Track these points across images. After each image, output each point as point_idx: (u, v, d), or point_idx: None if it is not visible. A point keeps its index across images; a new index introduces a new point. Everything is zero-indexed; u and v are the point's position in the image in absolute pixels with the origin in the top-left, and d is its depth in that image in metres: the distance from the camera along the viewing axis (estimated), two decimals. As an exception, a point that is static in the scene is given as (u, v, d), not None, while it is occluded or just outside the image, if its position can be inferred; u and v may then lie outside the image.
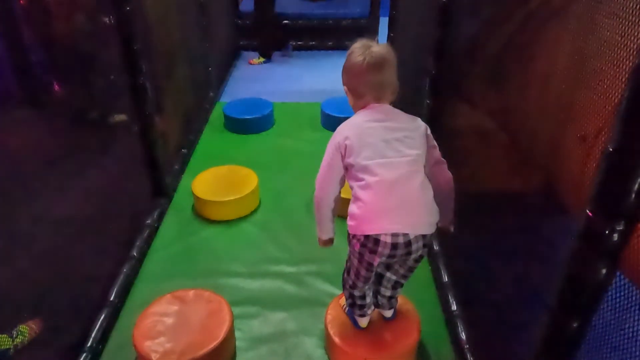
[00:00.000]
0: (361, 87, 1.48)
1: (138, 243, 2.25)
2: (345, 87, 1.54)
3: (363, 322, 1.74)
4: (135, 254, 2.19)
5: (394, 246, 1.41)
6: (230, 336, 1.73)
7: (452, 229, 1.67)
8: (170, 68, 2.93)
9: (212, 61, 3.86)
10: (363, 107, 1.51)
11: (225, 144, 3.26)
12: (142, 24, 2.29)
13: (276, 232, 2.41)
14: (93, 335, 1.78)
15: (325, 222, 1.63)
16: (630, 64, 0.92)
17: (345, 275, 1.68)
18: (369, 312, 1.72)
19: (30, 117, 2.05)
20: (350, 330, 1.72)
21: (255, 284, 2.10)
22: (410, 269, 1.61)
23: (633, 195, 0.74)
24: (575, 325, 0.93)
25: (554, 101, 1.37)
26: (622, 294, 0.97)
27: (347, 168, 1.49)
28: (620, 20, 1.00)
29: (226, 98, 3.98)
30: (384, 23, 4.00)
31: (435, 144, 1.56)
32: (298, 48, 5.06)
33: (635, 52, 0.83)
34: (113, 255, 2.11)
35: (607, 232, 0.79)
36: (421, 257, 1.53)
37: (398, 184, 1.41)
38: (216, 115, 3.64)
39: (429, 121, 2.30)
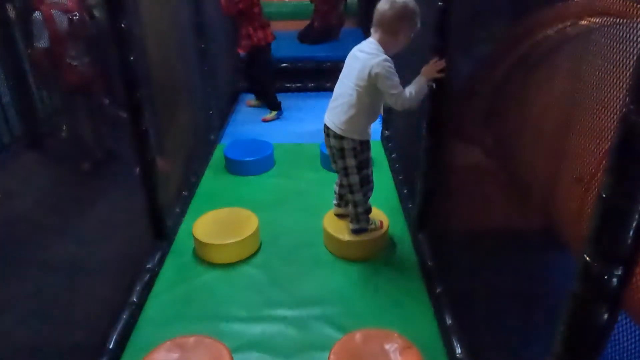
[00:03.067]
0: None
1: (138, 288, 2.23)
2: None
3: (334, 202, 2.62)
4: (135, 299, 2.17)
5: (325, 124, 2.31)
6: (231, 384, 1.70)
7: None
8: (172, 112, 2.99)
9: (213, 104, 3.94)
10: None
11: (226, 185, 3.28)
12: (145, 71, 2.35)
13: (277, 274, 2.40)
14: (91, 385, 1.75)
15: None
16: (619, 107, 0.94)
17: None
18: (337, 203, 2.61)
19: (34, 161, 2.08)
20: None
21: (257, 328, 2.07)
22: (342, 169, 2.34)
23: (629, 241, 0.75)
24: (580, 370, 0.92)
25: (549, 142, 1.39)
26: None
27: None
28: (609, 64, 1.03)
29: (227, 140, 4.03)
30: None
31: (384, 83, 2.08)
32: (297, 90, 5.16)
33: (622, 99, 0.85)
34: (112, 300, 2.09)
35: (605, 277, 0.80)
36: (338, 147, 2.28)
37: (337, 98, 2.24)
38: (217, 156, 3.68)
39: (427, 160, 2.35)
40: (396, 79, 2.08)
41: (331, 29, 5.65)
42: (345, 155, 2.28)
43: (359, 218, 2.44)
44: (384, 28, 2.09)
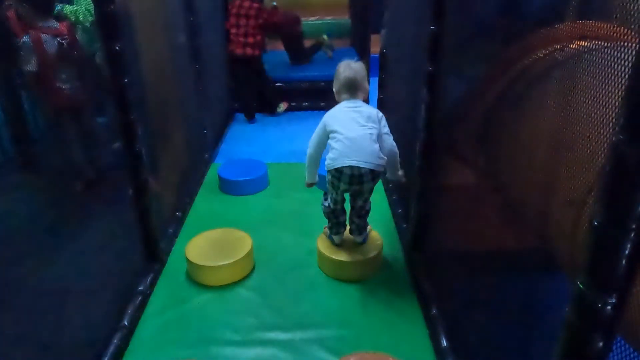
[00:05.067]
0: (341, 89, 2.39)
1: (129, 311, 2.20)
2: (334, 88, 2.44)
3: (337, 239, 2.60)
4: (126, 322, 2.14)
5: (352, 174, 2.26)
6: (223, 411, 1.66)
7: (403, 179, 2.51)
8: (166, 132, 2.99)
9: (208, 123, 3.95)
10: (341, 100, 2.39)
11: (220, 206, 3.27)
12: (139, 92, 2.35)
13: (271, 296, 2.37)
14: (80, 413, 1.70)
15: (313, 171, 2.54)
16: (609, 133, 0.95)
17: (324, 204, 2.56)
18: (342, 230, 2.59)
19: (25, 182, 2.07)
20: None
21: (251, 352, 2.04)
22: (366, 199, 2.47)
23: (622, 269, 0.75)
24: (576, 399, 0.91)
25: (541, 164, 1.40)
26: None
27: (329, 134, 2.33)
28: (597, 90, 1.05)
29: (221, 159, 4.03)
30: (373, 83, 4.14)
31: (385, 125, 2.36)
32: (291, 109, 5.19)
33: (612, 126, 0.86)
34: (103, 324, 2.05)
35: (600, 305, 0.79)
36: (371, 188, 2.39)
37: (356, 139, 2.24)
38: (211, 176, 3.67)
39: (421, 181, 2.36)
40: None
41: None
42: (375, 180, 2.35)
43: (365, 225, 2.61)
44: (360, 89, 2.39)
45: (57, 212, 2.04)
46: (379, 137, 2.28)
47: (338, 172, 2.27)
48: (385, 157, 2.30)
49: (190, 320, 2.23)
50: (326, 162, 2.32)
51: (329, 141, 2.32)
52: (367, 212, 2.54)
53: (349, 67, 2.37)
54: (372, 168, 2.24)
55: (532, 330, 1.39)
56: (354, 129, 2.25)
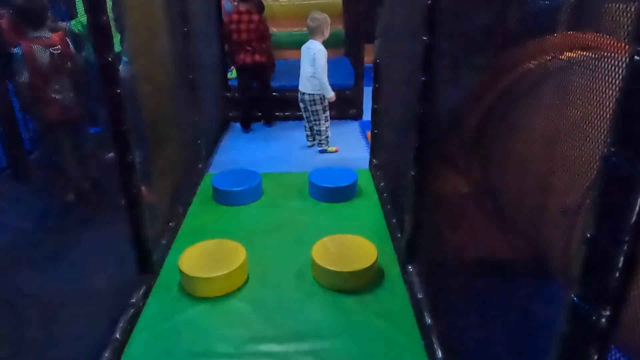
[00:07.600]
0: (308, 33, 4.20)
1: (121, 324, 2.17)
2: None
3: (308, 143, 4.55)
4: (118, 336, 2.11)
5: (300, 93, 4.33)
6: None
7: (332, 99, 4.31)
8: (159, 142, 2.98)
9: (202, 134, 3.94)
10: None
11: (214, 216, 3.25)
12: (132, 103, 2.34)
13: (265, 307, 2.35)
14: None
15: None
16: (600, 144, 0.95)
17: None
18: (310, 139, 4.53)
19: (16, 192, 2.05)
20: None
21: (244, 365, 2.02)
22: (315, 116, 4.33)
23: (616, 282, 0.75)
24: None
25: (534, 175, 1.40)
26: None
27: None
28: (588, 102, 1.05)
29: (215, 169, 4.02)
30: (367, 92, 4.16)
31: (319, 65, 4.10)
32: (285, 119, 5.19)
33: (604, 138, 0.86)
34: (94, 338, 2.02)
35: (594, 317, 0.79)
36: (313, 107, 4.28)
37: (302, 75, 4.24)
38: (205, 186, 3.65)
39: (415, 191, 2.36)
40: (324, 63, 4.09)
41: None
42: (316, 104, 4.23)
43: (321, 141, 4.39)
44: (316, 34, 4.14)
45: (49, 223, 2.02)
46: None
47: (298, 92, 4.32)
48: (317, 88, 4.16)
49: (183, 333, 2.20)
50: None
51: None
52: (320, 131, 4.32)
53: (312, 19, 4.12)
54: (309, 93, 4.19)
55: (527, 341, 1.38)
56: (303, 66, 4.20)
